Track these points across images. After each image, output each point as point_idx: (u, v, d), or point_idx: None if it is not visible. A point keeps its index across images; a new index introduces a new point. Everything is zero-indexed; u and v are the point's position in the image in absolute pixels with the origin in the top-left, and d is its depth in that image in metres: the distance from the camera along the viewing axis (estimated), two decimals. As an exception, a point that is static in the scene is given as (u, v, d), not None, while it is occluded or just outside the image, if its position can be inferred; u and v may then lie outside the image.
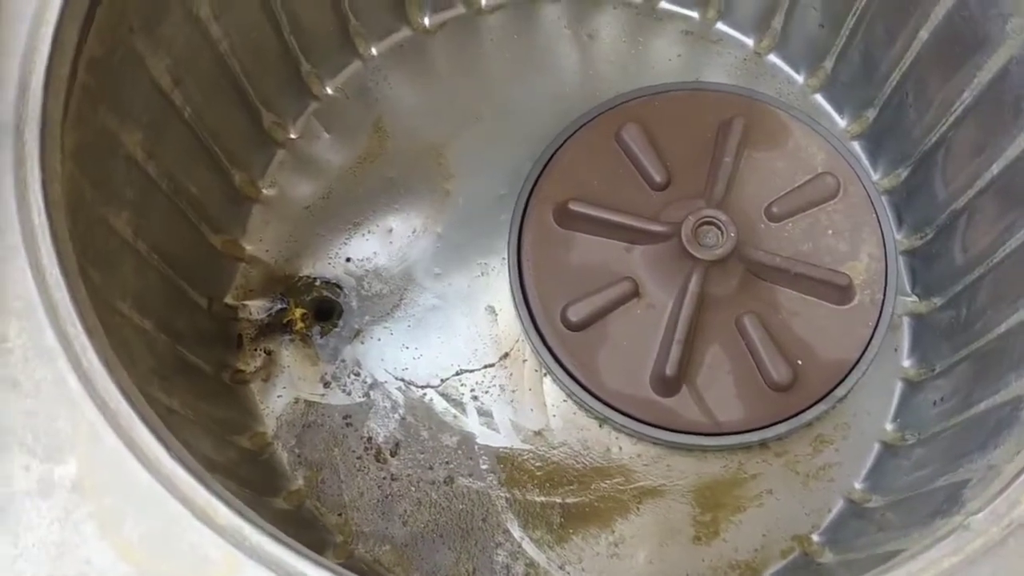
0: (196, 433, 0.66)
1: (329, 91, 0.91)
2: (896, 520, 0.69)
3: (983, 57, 0.71)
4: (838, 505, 0.78)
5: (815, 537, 0.77)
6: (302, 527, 0.76)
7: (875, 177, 0.87)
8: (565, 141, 0.85)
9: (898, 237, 0.84)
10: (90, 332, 0.51)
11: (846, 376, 0.78)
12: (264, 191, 0.87)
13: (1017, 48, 0.68)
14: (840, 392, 0.77)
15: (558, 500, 0.78)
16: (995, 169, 0.72)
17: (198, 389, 0.73)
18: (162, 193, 0.72)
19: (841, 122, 0.90)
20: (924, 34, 0.77)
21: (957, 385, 0.74)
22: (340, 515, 0.78)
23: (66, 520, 0.47)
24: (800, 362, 0.77)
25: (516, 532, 0.77)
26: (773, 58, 0.92)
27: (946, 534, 0.47)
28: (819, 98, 0.91)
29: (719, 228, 0.77)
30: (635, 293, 0.80)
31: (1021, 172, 0.70)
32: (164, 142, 0.71)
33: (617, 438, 0.79)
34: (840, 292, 0.79)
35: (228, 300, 0.83)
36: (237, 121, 0.83)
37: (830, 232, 0.81)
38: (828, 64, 0.89)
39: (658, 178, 0.83)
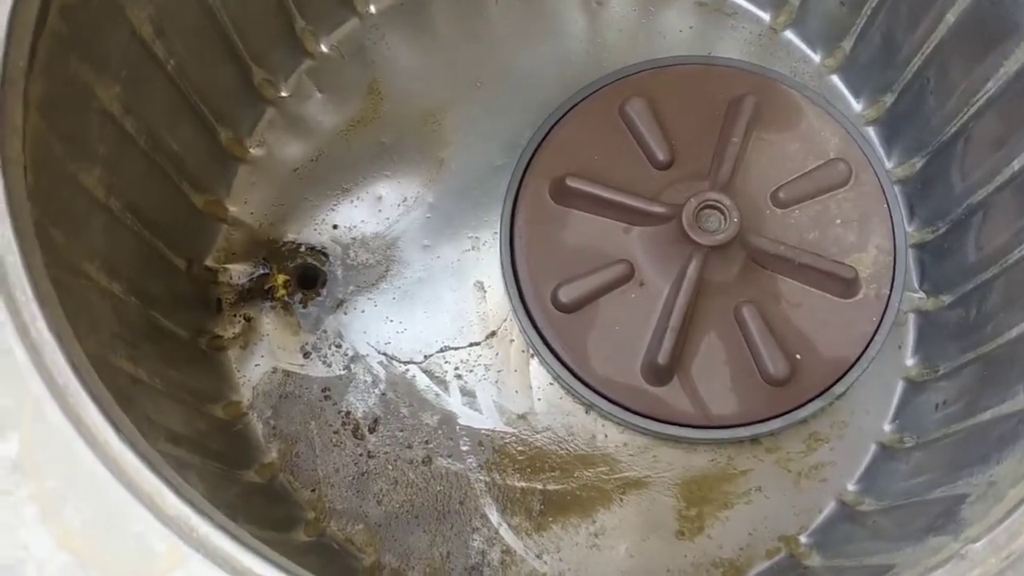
0: (163, 403, 0.64)
1: (324, 49, 0.87)
2: (889, 528, 0.66)
3: (1011, 46, 0.67)
4: (829, 506, 0.75)
5: (803, 538, 0.74)
6: (273, 501, 0.73)
7: (888, 166, 0.83)
8: (567, 112, 0.81)
9: (909, 230, 0.81)
10: (42, 300, 0.47)
11: (846, 373, 0.74)
12: (251, 151, 0.84)
13: (1048, 38, 0.64)
14: (838, 389, 0.74)
15: (539, 487, 0.75)
16: (1016, 165, 0.68)
17: (171, 356, 0.70)
18: (140, 150, 0.69)
19: (857, 106, 0.86)
20: (950, 17, 0.72)
21: (962, 389, 0.71)
22: (313, 491, 0.75)
23: (4, 501, 0.44)
24: (799, 356, 0.74)
25: (494, 517, 0.74)
26: (789, 35, 0.88)
27: (942, 561, 0.44)
28: (835, 79, 0.87)
29: (722, 212, 0.73)
30: (630, 276, 0.76)
31: (1045, 170, 0.66)
32: (144, 96, 0.68)
33: (603, 426, 0.77)
34: (845, 285, 0.75)
35: (208, 263, 0.80)
36: (224, 76, 0.79)
37: (838, 221, 0.78)
38: (847, 44, 0.84)
39: (661, 156, 0.79)
